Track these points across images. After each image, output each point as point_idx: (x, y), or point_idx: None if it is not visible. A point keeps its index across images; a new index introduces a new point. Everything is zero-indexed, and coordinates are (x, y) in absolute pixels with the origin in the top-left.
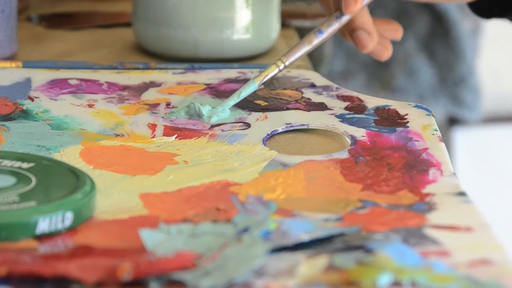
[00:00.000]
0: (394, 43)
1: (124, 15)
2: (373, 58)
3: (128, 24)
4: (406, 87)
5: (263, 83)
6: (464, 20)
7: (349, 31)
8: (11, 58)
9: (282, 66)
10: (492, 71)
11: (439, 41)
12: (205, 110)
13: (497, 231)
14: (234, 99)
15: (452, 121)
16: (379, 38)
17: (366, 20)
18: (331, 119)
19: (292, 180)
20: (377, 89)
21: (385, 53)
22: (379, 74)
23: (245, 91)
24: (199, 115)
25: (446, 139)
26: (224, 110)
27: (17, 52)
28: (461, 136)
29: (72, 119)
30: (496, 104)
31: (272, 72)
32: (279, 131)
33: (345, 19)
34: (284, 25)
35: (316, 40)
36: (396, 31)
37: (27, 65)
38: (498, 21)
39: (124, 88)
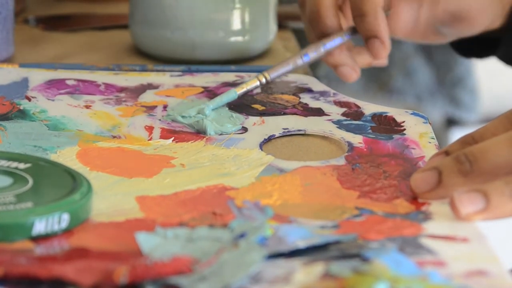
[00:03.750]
0: (392, 44)
1: (121, 17)
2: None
3: (125, 26)
4: (404, 88)
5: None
6: None
7: (363, 37)
8: (7, 60)
9: (264, 81)
10: (490, 72)
11: None
12: (211, 128)
13: (493, 241)
14: (211, 106)
15: (450, 122)
16: (352, 62)
17: (382, 27)
18: (328, 124)
19: (288, 186)
20: (375, 90)
21: (354, 76)
22: (377, 75)
23: (224, 100)
24: (204, 132)
25: (444, 140)
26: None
27: (14, 54)
28: (459, 137)
29: (69, 120)
30: (493, 104)
31: (252, 84)
32: (276, 136)
33: (331, 48)
34: (281, 26)
35: (300, 63)
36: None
37: (24, 67)
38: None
39: (122, 89)
